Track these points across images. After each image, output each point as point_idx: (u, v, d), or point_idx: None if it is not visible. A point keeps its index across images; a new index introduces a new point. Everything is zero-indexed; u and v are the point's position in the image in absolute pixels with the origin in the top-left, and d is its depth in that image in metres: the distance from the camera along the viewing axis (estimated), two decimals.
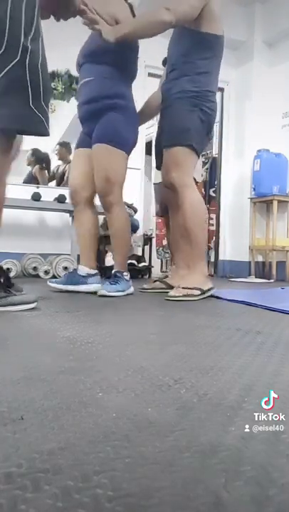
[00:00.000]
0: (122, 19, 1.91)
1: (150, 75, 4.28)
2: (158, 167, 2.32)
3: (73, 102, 3.92)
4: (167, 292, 1.95)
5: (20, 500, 0.32)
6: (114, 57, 1.94)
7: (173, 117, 2.02)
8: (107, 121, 1.97)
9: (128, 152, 2.07)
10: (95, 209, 2.23)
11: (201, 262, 2.04)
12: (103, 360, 0.78)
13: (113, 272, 2.10)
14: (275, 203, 4.01)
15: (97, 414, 0.51)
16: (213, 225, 4.54)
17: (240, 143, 4.46)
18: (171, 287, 2.09)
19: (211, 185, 4.70)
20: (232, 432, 0.46)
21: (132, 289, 2.09)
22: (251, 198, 4.28)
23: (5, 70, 1.12)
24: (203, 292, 1.93)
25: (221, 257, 4.51)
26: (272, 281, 3.87)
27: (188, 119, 1.98)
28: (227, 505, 0.33)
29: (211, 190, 4.69)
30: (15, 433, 0.45)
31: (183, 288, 1.91)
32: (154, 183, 3.13)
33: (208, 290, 1.98)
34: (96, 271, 2.20)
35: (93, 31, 1.80)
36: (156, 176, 2.94)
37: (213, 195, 4.66)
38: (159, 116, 2.29)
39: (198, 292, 1.91)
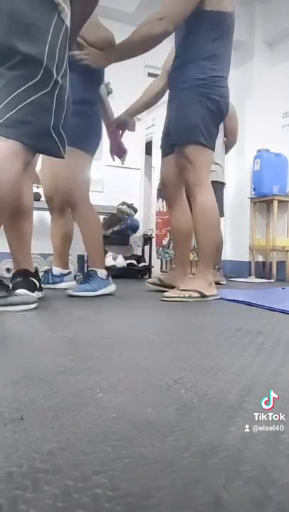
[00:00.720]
0: (112, 40, 1.88)
1: (150, 75, 4.28)
2: (163, 155, 2.19)
3: None
4: (164, 291, 1.93)
5: (21, 500, 0.32)
6: (82, 65, 1.84)
7: (180, 112, 1.91)
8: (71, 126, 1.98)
9: (91, 154, 2.06)
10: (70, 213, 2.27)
11: (208, 269, 1.94)
12: (103, 360, 0.78)
13: (86, 270, 2.15)
14: (275, 202, 4.02)
15: (96, 414, 0.51)
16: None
17: (240, 143, 4.45)
18: (166, 286, 2.11)
19: None
20: (232, 431, 0.46)
21: (110, 289, 2.02)
22: (251, 198, 4.29)
23: (35, 96, 1.31)
24: (203, 296, 1.86)
25: (221, 257, 4.51)
26: (272, 281, 3.87)
27: (196, 112, 1.85)
28: (227, 505, 0.33)
29: None
30: (15, 433, 0.45)
31: (181, 290, 1.87)
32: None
33: (210, 296, 1.89)
34: (69, 270, 2.41)
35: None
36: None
37: None
38: (166, 113, 2.13)
39: (197, 295, 1.84)
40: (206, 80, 1.84)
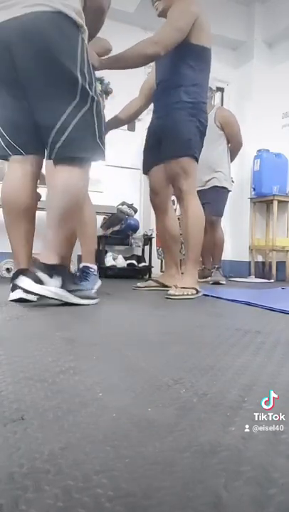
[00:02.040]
0: (110, 49, 2.10)
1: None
2: (145, 172, 2.42)
3: None
4: (161, 290, 2.08)
5: (21, 501, 0.33)
6: None
7: (175, 129, 2.11)
8: None
9: None
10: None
11: (196, 267, 2.18)
12: (103, 360, 0.78)
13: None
14: (275, 203, 4.02)
15: (97, 415, 0.51)
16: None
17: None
18: (164, 285, 2.26)
19: None
20: (232, 432, 0.46)
21: (99, 284, 2.07)
22: (251, 198, 4.29)
23: (79, 115, 1.48)
24: (198, 292, 2.04)
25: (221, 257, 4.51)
26: (272, 281, 3.87)
27: (189, 129, 2.10)
28: (227, 505, 0.33)
29: None
30: (15, 433, 0.45)
31: (181, 288, 2.00)
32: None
33: (200, 292, 2.08)
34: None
35: None
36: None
37: None
38: (149, 128, 2.39)
39: (195, 291, 2.02)
40: (195, 104, 2.11)
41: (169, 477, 0.37)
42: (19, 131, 1.60)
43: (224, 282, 3.27)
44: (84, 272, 1.98)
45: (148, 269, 3.93)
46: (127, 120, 2.57)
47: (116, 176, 4.10)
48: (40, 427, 0.46)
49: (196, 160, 2.15)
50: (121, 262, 3.89)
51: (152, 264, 4.03)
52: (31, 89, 1.49)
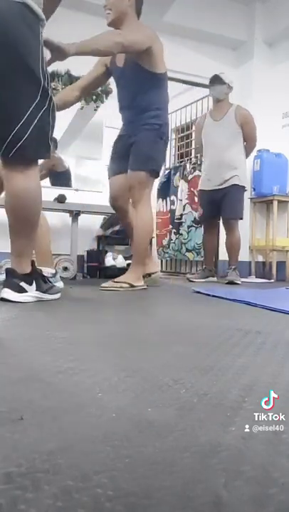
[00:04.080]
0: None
1: None
2: (109, 178, 2.67)
3: None
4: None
5: (20, 500, 0.32)
6: None
7: (141, 145, 2.40)
8: None
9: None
10: None
11: (139, 266, 2.43)
12: (103, 360, 0.78)
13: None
14: (275, 203, 4.02)
15: (96, 415, 0.50)
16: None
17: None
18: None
19: None
20: (232, 432, 0.46)
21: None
22: (251, 198, 4.28)
23: (39, 115, 1.46)
24: (132, 286, 2.27)
25: (220, 257, 4.50)
26: (272, 281, 3.87)
27: (155, 148, 2.40)
28: (227, 505, 0.33)
29: None
30: (14, 433, 0.45)
31: (116, 281, 2.29)
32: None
33: (138, 286, 2.31)
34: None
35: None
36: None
37: None
38: (115, 142, 2.61)
39: (127, 286, 2.26)
40: (161, 126, 2.41)
41: (169, 477, 0.36)
42: None
43: (239, 282, 3.25)
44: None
45: None
46: (61, 107, 2.57)
47: None
48: (39, 427, 0.46)
49: (155, 175, 2.49)
50: (121, 262, 3.89)
51: None
52: None
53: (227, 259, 3.50)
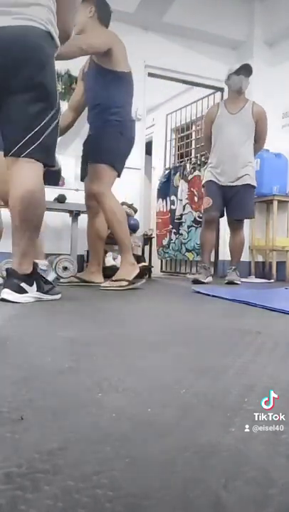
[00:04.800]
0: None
1: (150, 74, 4.29)
2: (82, 179, 2.73)
3: None
4: (84, 286, 2.51)
5: (21, 501, 0.32)
6: None
7: (99, 140, 2.46)
8: None
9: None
10: None
11: (128, 253, 2.46)
12: (103, 360, 0.78)
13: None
14: (275, 203, 4.02)
15: (96, 415, 0.51)
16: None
17: None
18: (85, 281, 2.61)
19: None
20: (232, 432, 0.46)
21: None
22: None
23: (53, 124, 1.64)
24: (131, 283, 2.32)
25: (220, 257, 4.51)
26: (272, 281, 3.87)
27: (112, 142, 2.42)
28: (227, 505, 0.33)
29: None
30: (15, 433, 0.45)
31: (113, 281, 2.33)
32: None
33: (135, 279, 2.36)
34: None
35: None
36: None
37: None
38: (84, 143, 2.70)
39: (126, 283, 2.29)
40: (122, 122, 2.45)
41: (169, 477, 0.36)
42: None
43: (239, 283, 3.21)
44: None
45: (148, 269, 3.93)
46: (62, 133, 2.78)
47: None
48: (40, 427, 0.46)
49: (115, 169, 2.45)
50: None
51: (152, 264, 4.03)
52: (12, 97, 1.57)
53: (227, 259, 3.46)
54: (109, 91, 2.45)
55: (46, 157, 1.65)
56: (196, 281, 3.01)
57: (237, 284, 3.18)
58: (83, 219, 3.61)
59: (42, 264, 2.01)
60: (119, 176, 2.54)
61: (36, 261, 1.83)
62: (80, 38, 2.35)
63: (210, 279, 3.22)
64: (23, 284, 1.58)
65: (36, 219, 1.64)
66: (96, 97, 2.52)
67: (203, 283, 3.02)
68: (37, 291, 1.63)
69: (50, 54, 1.62)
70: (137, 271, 2.44)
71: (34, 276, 1.64)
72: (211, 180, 3.26)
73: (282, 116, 4.31)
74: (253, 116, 3.21)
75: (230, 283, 3.18)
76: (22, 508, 0.32)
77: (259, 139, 3.29)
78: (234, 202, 3.20)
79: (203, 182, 3.44)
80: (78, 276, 2.71)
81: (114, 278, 2.36)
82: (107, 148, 2.41)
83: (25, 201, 1.57)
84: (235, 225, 3.29)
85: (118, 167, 2.49)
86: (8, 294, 1.54)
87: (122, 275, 2.36)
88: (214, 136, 3.29)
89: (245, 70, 3.18)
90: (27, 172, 1.60)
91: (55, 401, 0.55)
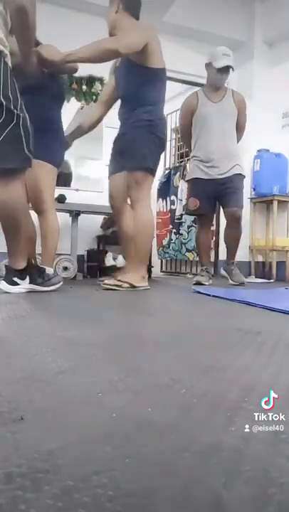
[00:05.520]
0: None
1: None
2: (109, 177, 2.72)
3: (73, 102, 3.92)
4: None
5: (21, 501, 0.32)
6: (46, 89, 2.36)
7: (133, 144, 2.40)
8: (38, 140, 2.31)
9: (58, 165, 2.48)
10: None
11: (142, 265, 2.44)
12: (103, 360, 0.78)
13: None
14: (275, 203, 4.01)
15: (96, 415, 0.51)
16: (213, 225, 4.54)
17: (240, 143, 4.46)
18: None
19: None
20: (232, 432, 0.46)
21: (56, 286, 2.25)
22: (251, 198, 4.28)
23: (7, 130, 1.71)
24: (134, 287, 2.30)
25: (220, 257, 4.50)
26: (272, 281, 3.87)
27: (146, 145, 2.37)
28: (227, 505, 0.33)
29: None
30: (15, 433, 0.45)
31: (117, 280, 2.31)
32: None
33: (140, 286, 2.34)
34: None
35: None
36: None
37: None
38: (115, 141, 2.66)
39: (128, 286, 2.28)
40: (153, 122, 2.38)
41: (169, 477, 0.36)
42: None
43: (245, 282, 3.07)
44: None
45: (148, 269, 3.92)
46: (90, 129, 2.81)
47: None
48: (40, 427, 0.46)
49: (151, 173, 2.44)
50: (121, 262, 3.88)
51: (152, 264, 4.03)
52: None
53: (224, 258, 3.31)
54: (141, 89, 2.37)
55: (10, 161, 1.74)
56: (198, 283, 2.91)
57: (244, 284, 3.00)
58: (83, 219, 3.62)
59: (48, 270, 2.23)
60: (154, 175, 2.53)
61: (45, 267, 2.18)
62: (113, 40, 2.25)
63: (210, 281, 3.08)
64: (15, 278, 1.89)
65: (14, 225, 1.81)
66: (127, 94, 2.46)
67: (204, 285, 2.91)
68: (30, 283, 1.92)
69: None
70: (145, 285, 2.38)
71: (27, 271, 1.91)
72: (196, 178, 3.06)
73: (282, 116, 4.31)
74: (235, 105, 3.06)
75: (241, 284, 2.97)
76: (22, 507, 0.32)
77: (239, 129, 3.14)
78: (229, 192, 3.00)
79: (187, 178, 3.22)
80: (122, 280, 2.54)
81: (119, 278, 2.32)
82: (142, 154, 2.36)
83: (5, 215, 1.78)
84: (234, 217, 3.04)
85: (154, 169, 2.47)
86: (2, 284, 1.89)
87: (129, 279, 2.31)
88: (197, 128, 3.08)
89: (228, 70, 2.96)
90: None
91: (55, 401, 0.55)
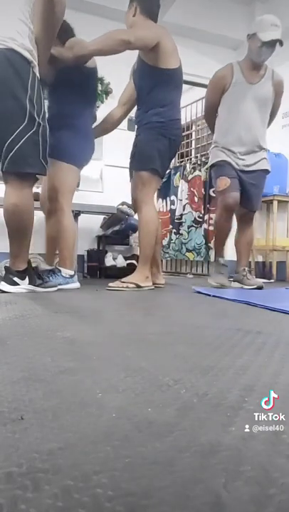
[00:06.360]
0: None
1: None
2: (130, 179, 2.69)
3: None
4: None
5: (21, 500, 0.32)
6: (73, 82, 2.32)
7: (142, 145, 2.43)
8: (58, 138, 2.27)
9: (78, 165, 2.44)
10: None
11: (145, 265, 2.42)
12: (103, 360, 0.78)
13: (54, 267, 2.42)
14: (275, 203, 4.02)
15: (96, 415, 0.51)
16: (213, 225, 4.54)
17: None
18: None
19: (211, 185, 4.69)
20: (232, 432, 0.46)
21: (73, 286, 2.36)
22: None
23: (26, 136, 1.78)
24: (138, 287, 2.31)
25: (227, 257, 4.50)
26: (272, 281, 3.87)
27: (154, 146, 2.37)
28: (227, 505, 0.33)
29: (211, 190, 4.68)
30: (15, 433, 0.45)
31: (121, 281, 2.31)
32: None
33: (145, 287, 2.35)
34: (52, 266, 2.63)
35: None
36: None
37: (213, 195, 4.65)
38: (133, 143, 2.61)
39: (133, 286, 2.30)
40: (164, 123, 2.37)
41: (169, 477, 0.36)
42: None
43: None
44: (51, 271, 2.30)
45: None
46: (109, 130, 2.83)
47: (116, 176, 4.09)
48: (40, 427, 0.46)
49: (157, 174, 2.42)
50: (121, 262, 3.89)
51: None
52: None
53: (233, 259, 3.13)
54: (153, 91, 2.38)
55: (25, 166, 1.79)
56: (221, 286, 2.65)
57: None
58: (83, 219, 3.62)
59: (65, 272, 2.32)
60: (162, 177, 2.54)
61: (61, 268, 2.31)
62: (126, 31, 2.26)
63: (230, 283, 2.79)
64: (15, 279, 1.93)
65: (22, 228, 1.87)
66: (140, 97, 2.49)
67: (225, 287, 2.66)
68: (29, 284, 1.96)
69: (18, 72, 1.75)
70: (150, 285, 2.40)
71: (27, 272, 1.96)
72: (224, 160, 2.64)
73: (282, 117, 4.31)
74: (273, 89, 2.63)
75: (260, 288, 2.66)
76: (22, 507, 0.32)
77: (272, 115, 2.73)
78: (252, 189, 2.67)
79: (211, 162, 2.77)
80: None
81: (123, 279, 2.35)
82: (149, 155, 2.38)
83: (9, 213, 1.84)
84: (249, 218, 2.78)
85: (161, 171, 2.45)
86: (3, 285, 1.92)
87: (133, 279, 2.34)
88: (224, 109, 2.67)
89: (275, 45, 2.51)
90: (8, 188, 1.84)
91: (55, 401, 0.55)
